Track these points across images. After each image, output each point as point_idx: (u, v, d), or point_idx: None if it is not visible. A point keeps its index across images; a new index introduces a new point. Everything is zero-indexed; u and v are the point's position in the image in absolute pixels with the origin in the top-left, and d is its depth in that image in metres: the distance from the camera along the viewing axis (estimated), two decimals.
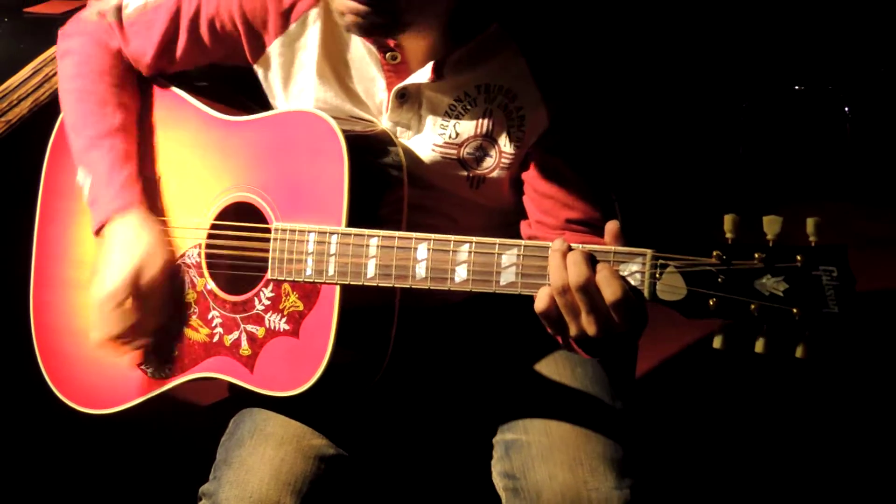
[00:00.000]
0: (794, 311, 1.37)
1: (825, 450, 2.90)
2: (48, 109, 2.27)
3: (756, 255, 1.38)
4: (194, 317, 1.90)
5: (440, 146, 1.83)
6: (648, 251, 1.47)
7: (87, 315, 2.00)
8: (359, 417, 1.92)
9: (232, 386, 1.88)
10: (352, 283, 1.69)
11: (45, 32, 2.45)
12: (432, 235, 1.62)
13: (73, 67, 1.99)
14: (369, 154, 1.78)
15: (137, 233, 1.88)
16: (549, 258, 1.52)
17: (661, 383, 3.20)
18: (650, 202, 3.91)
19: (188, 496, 1.88)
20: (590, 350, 1.65)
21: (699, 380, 3.16)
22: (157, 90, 2.01)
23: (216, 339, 1.87)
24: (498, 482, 1.84)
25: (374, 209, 1.76)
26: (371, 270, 1.67)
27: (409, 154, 1.83)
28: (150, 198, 1.95)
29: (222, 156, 1.89)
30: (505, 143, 1.80)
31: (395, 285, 1.65)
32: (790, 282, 1.37)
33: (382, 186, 1.79)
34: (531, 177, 1.82)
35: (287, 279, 1.77)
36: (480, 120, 1.80)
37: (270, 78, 1.92)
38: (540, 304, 1.53)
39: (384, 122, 1.85)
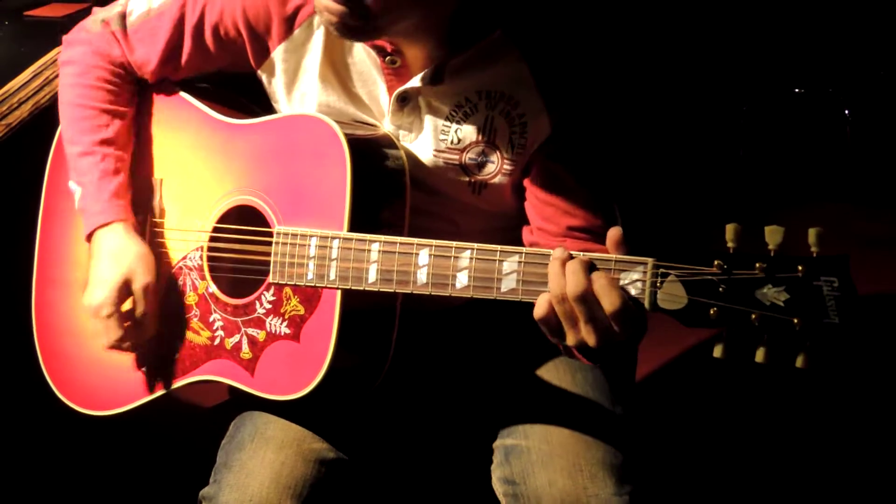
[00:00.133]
0: (795, 321, 1.37)
1: (826, 455, 2.90)
2: (49, 112, 2.27)
3: (757, 265, 1.38)
4: (195, 319, 1.90)
5: (442, 151, 1.83)
6: (650, 260, 1.47)
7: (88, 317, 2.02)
8: (359, 421, 1.92)
9: (233, 389, 1.88)
10: (353, 287, 1.69)
11: (45, 36, 2.45)
12: (434, 241, 1.62)
13: (71, 77, 2.00)
14: (372, 158, 1.78)
15: (122, 245, 1.90)
16: (549, 266, 1.51)
17: (661, 387, 3.20)
18: (651, 206, 3.91)
19: (188, 499, 1.88)
20: (589, 356, 1.66)
21: (699, 384, 3.16)
22: (160, 93, 2.01)
23: (217, 342, 1.87)
24: (498, 487, 1.84)
25: (377, 213, 1.76)
26: (372, 275, 1.67)
27: (412, 158, 1.83)
28: (152, 200, 1.96)
29: (225, 159, 1.90)
30: (507, 150, 1.80)
31: (397, 290, 1.66)
32: (791, 292, 1.37)
33: (385, 190, 1.79)
34: (533, 183, 1.82)
35: (288, 283, 1.77)
36: (482, 126, 1.80)
37: (274, 83, 1.92)
38: (539, 310, 1.53)
39: (386, 126, 1.86)
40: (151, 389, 1.96)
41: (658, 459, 2.67)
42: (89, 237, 1.93)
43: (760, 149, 4.50)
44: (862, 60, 4.50)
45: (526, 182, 1.83)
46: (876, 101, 4.48)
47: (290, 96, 1.91)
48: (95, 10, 2.03)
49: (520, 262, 1.56)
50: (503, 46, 1.77)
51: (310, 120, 1.79)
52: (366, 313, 1.77)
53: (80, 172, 1.94)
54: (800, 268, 1.37)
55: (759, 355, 1.40)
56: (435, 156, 1.83)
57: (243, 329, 1.84)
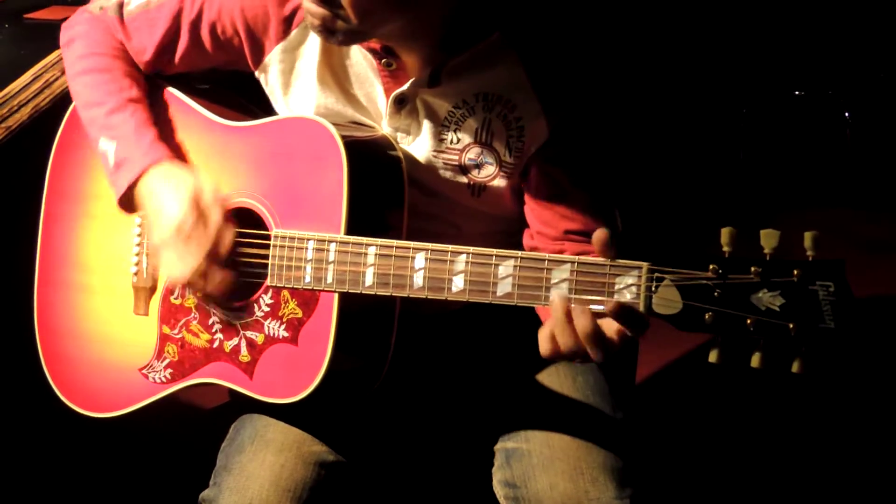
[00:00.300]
0: (791, 326, 1.37)
1: (824, 458, 2.90)
2: (48, 115, 2.27)
3: (752, 269, 1.38)
4: (195, 322, 1.90)
5: (441, 152, 1.83)
6: (644, 264, 1.47)
7: (93, 318, 2.02)
8: (359, 424, 1.92)
9: (233, 391, 1.88)
10: (350, 291, 1.69)
11: (45, 38, 2.44)
12: (430, 245, 1.62)
13: (82, 48, 1.98)
14: (370, 160, 1.78)
15: (182, 171, 1.85)
16: (554, 320, 1.54)
17: (661, 390, 3.20)
18: (651, 208, 3.91)
19: (188, 502, 1.89)
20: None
21: (699, 387, 3.16)
22: (159, 94, 2.01)
23: (216, 344, 1.88)
24: (498, 490, 1.84)
25: (375, 215, 1.76)
26: (369, 279, 1.67)
27: (410, 160, 1.83)
28: None
29: (223, 161, 1.90)
30: (504, 153, 1.80)
31: (393, 294, 1.66)
32: (787, 296, 1.37)
33: (383, 193, 1.79)
34: (531, 187, 1.82)
35: (286, 286, 1.77)
36: (479, 129, 1.80)
37: (271, 84, 1.93)
38: (544, 350, 1.58)
39: (384, 128, 1.86)
40: (152, 392, 1.96)
41: (658, 463, 2.67)
42: (132, 186, 1.86)
43: (760, 151, 4.51)
44: (862, 63, 4.50)
45: (524, 185, 1.83)
46: (876, 104, 4.48)
47: (288, 97, 1.91)
48: (96, 1, 2.03)
49: (515, 266, 1.56)
50: (501, 49, 1.77)
51: (307, 123, 1.79)
52: (364, 316, 1.77)
53: (112, 128, 1.89)
54: (795, 272, 1.36)
55: (755, 360, 1.40)
56: (434, 157, 1.83)
57: (242, 332, 1.84)
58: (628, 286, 1.48)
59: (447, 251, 1.61)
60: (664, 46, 4.43)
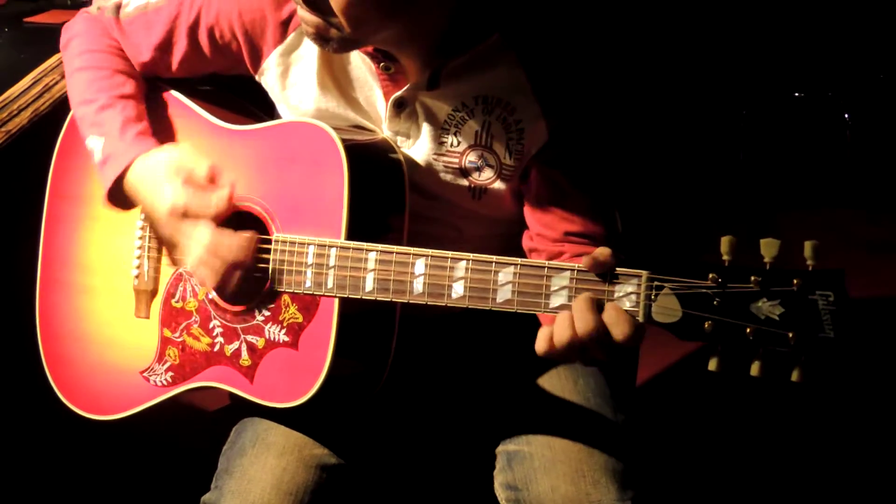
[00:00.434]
0: (790, 335, 1.37)
1: (825, 464, 2.90)
2: (48, 119, 2.27)
3: (752, 279, 1.38)
4: (195, 325, 1.91)
5: (441, 154, 1.83)
6: (644, 273, 1.47)
7: (94, 320, 2.03)
8: (361, 427, 1.92)
9: (233, 395, 1.89)
10: (350, 296, 1.69)
11: (45, 42, 2.45)
12: (430, 251, 1.62)
13: (79, 46, 1.99)
14: (370, 164, 1.78)
15: (164, 155, 1.84)
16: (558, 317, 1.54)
17: (662, 393, 3.20)
18: (651, 210, 3.91)
19: None
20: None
21: (700, 389, 3.16)
22: (159, 97, 2.01)
23: (217, 348, 1.88)
24: (500, 493, 1.84)
25: (375, 220, 1.77)
26: (369, 284, 1.67)
27: (411, 163, 1.83)
28: None
29: (224, 165, 1.89)
30: (504, 155, 1.80)
31: (393, 300, 1.66)
32: (786, 306, 1.37)
33: (383, 197, 1.79)
34: (530, 189, 1.82)
35: (287, 290, 1.77)
36: (479, 131, 1.80)
37: (271, 87, 1.93)
38: (540, 346, 1.57)
39: (384, 132, 1.86)
40: (153, 395, 1.96)
41: (660, 465, 2.67)
42: (119, 179, 1.86)
43: (760, 153, 4.50)
44: (861, 64, 4.50)
45: (524, 188, 1.83)
46: (876, 105, 4.48)
47: (288, 101, 1.91)
48: (95, 2, 2.04)
49: (515, 272, 1.56)
50: (500, 51, 1.76)
51: (307, 127, 1.79)
52: (365, 320, 1.78)
53: (100, 124, 1.90)
54: (795, 281, 1.36)
55: (755, 369, 1.40)
56: (434, 160, 1.83)
57: (242, 336, 1.85)
58: (628, 294, 1.48)
59: (447, 257, 1.61)
60: (664, 48, 4.43)
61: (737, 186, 4.38)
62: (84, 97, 1.94)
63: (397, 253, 1.65)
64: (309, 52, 1.86)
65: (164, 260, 1.96)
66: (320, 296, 1.74)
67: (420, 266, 1.63)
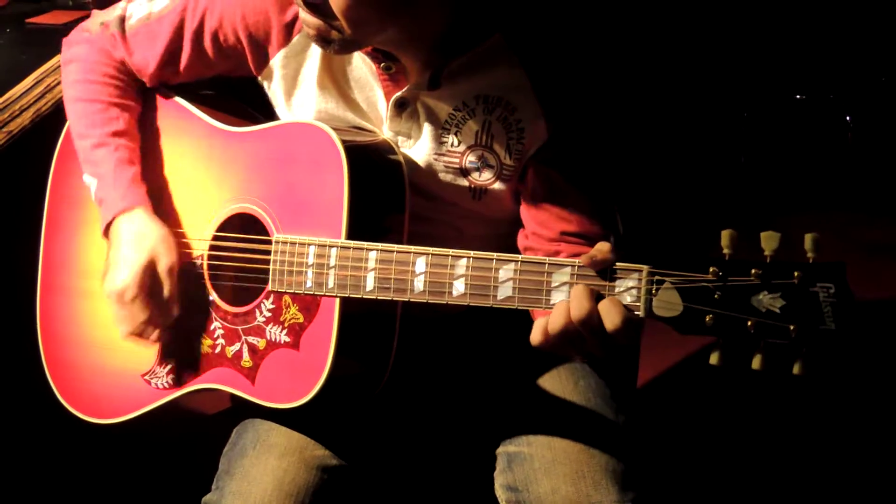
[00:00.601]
0: (791, 327, 1.37)
1: (827, 458, 2.90)
2: (50, 120, 2.27)
3: (753, 272, 1.38)
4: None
5: (442, 154, 1.83)
6: (645, 267, 1.47)
7: (95, 324, 2.02)
8: (362, 428, 1.92)
9: (234, 396, 1.88)
10: (351, 295, 1.69)
11: (47, 43, 2.45)
12: (430, 249, 1.62)
13: (76, 73, 2.00)
14: (370, 165, 1.78)
15: (145, 228, 1.88)
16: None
17: (663, 393, 3.20)
18: (652, 212, 3.91)
19: None
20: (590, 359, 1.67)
21: (701, 390, 3.16)
22: (159, 100, 2.01)
23: (218, 350, 1.88)
24: (500, 494, 1.83)
25: (375, 220, 1.76)
26: (370, 283, 1.67)
27: (411, 164, 1.83)
28: (154, 205, 1.96)
29: (224, 167, 1.90)
30: (505, 156, 1.80)
31: (394, 298, 1.66)
32: (787, 298, 1.36)
33: (383, 197, 1.79)
34: (527, 188, 1.82)
35: (287, 291, 1.77)
36: (479, 131, 1.80)
37: (274, 89, 1.93)
38: (535, 337, 1.56)
39: (385, 132, 1.86)
40: (154, 397, 1.96)
41: (661, 466, 2.67)
42: (107, 228, 1.91)
43: (762, 155, 4.51)
44: (863, 66, 4.50)
45: (521, 186, 1.83)
46: (877, 107, 4.49)
47: (290, 103, 1.92)
48: (95, 12, 2.04)
49: (516, 269, 1.56)
50: (501, 51, 1.77)
51: (307, 127, 1.79)
52: (366, 321, 1.77)
53: (94, 164, 1.93)
54: (796, 274, 1.36)
55: (756, 362, 1.40)
56: (435, 160, 1.83)
57: (243, 337, 1.84)
58: (629, 289, 1.48)
59: (448, 255, 1.61)
60: (666, 50, 4.43)
61: (738, 189, 4.39)
62: (79, 131, 1.97)
63: (398, 252, 1.65)
64: (313, 54, 1.86)
65: None
66: (321, 296, 1.74)
67: (421, 264, 1.63)
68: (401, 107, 1.82)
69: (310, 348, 1.76)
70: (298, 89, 1.90)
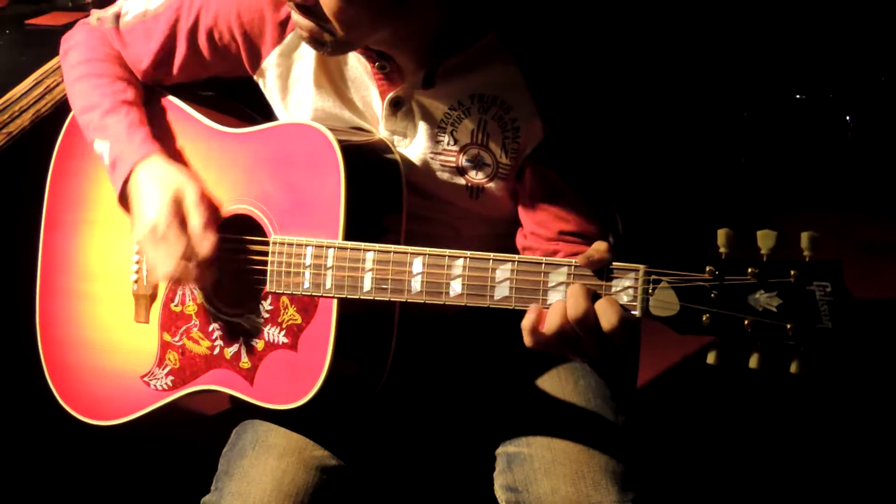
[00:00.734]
0: (788, 326, 1.37)
1: (825, 457, 2.90)
2: (49, 121, 2.27)
3: (749, 270, 1.38)
4: (195, 329, 1.91)
5: (438, 153, 1.83)
6: (641, 266, 1.47)
7: (94, 325, 2.02)
8: (361, 429, 1.92)
9: (233, 398, 1.88)
10: (349, 296, 1.69)
11: (46, 44, 2.45)
12: (427, 249, 1.62)
13: (79, 55, 2.00)
14: (367, 164, 1.78)
15: (165, 170, 1.86)
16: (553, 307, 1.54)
17: (662, 393, 3.20)
18: (652, 213, 3.91)
19: None
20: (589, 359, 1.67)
21: (701, 390, 3.16)
22: (157, 102, 2.01)
23: (216, 351, 1.88)
24: (500, 495, 1.83)
25: (373, 220, 1.76)
26: (367, 284, 1.67)
27: (408, 163, 1.83)
28: None
29: (221, 168, 1.90)
30: (501, 154, 1.80)
31: (391, 299, 1.66)
32: (784, 297, 1.37)
33: (381, 197, 1.79)
34: (525, 188, 1.82)
35: (285, 292, 1.77)
36: (475, 130, 1.80)
37: (269, 88, 1.93)
38: (527, 341, 1.57)
39: (381, 132, 1.86)
40: (154, 399, 1.96)
41: (660, 466, 2.67)
42: (126, 182, 1.87)
43: (761, 155, 4.50)
44: (863, 66, 4.50)
45: (518, 186, 1.83)
46: (877, 107, 4.48)
47: (286, 101, 1.92)
48: (93, 11, 2.04)
49: (512, 269, 1.56)
50: (496, 49, 1.76)
51: (304, 128, 1.79)
52: (364, 321, 1.77)
53: (105, 129, 1.91)
54: (792, 272, 1.36)
55: (753, 361, 1.40)
56: (431, 159, 1.83)
57: (242, 338, 1.84)
58: (625, 288, 1.48)
59: (444, 255, 1.61)
60: (665, 49, 4.43)
61: (738, 188, 4.38)
62: (88, 103, 1.95)
63: (395, 252, 1.65)
64: (307, 53, 1.86)
65: None
66: (319, 297, 1.74)
67: (418, 265, 1.63)
68: (396, 106, 1.82)
69: (308, 349, 1.76)
70: (294, 88, 1.90)
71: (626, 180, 1.99)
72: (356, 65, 1.84)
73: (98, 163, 1.94)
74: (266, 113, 1.99)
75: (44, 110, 2.34)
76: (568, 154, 1.78)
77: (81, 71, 1.98)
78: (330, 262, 1.70)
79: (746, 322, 1.39)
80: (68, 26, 2.09)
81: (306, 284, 1.73)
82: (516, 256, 1.57)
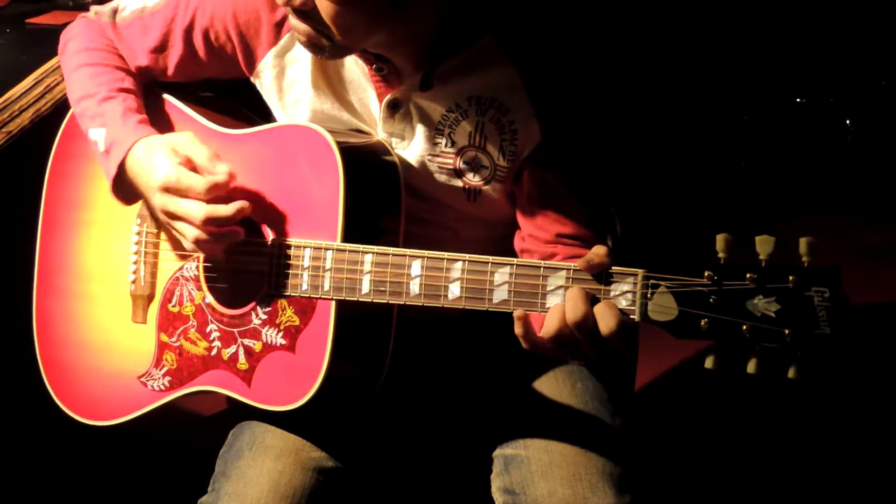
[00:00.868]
0: (786, 332, 1.37)
1: (823, 462, 2.90)
2: (50, 120, 2.27)
3: (748, 276, 1.37)
4: (193, 330, 1.90)
5: (436, 156, 1.83)
6: (640, 271, 1.46)
7: (92, 326, 2.02)
8: (358, 430, 1.92)
9: (231, 399, 1.88)
10: (347, 298, 1.69)
11: (46, 43, 2.45)
12: (426, 252, 1.62)
13: (77, 45, 1.99)
14: (365, 166, 1.78)
15: (160, 139, 1.84)
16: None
17: (660, 396, 3.20)
18: (652, 216, 3.91)
19: None
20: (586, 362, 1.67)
21: (699, 393, 3.16)
22: (155, 102, 2.01)
23: (214, 352, 1.87)
24: (497, 497, 1.83)
25: (371, 222, 1.76)
26: (366, 286, 1.67)
27: (406, 165, 1.83)
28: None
29: None
30: (498, 156, 1.80)
31: (390, 301, 1.66)
32: (782, 302, 1.36)
33: (379, 199, 1.79)
34: (523, 191, 1.81)
35: (283, 294, 1.77)
36: (473, 132, 1.80)
37: (266, 88, 1.93)
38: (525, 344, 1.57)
39: (379, 134, 1.86)
40: (151, 400, 1.96)
41: (657, 469, 2.67)
42: (121, 165, 1.84)
43: (762, 159, 4.50)
44: (863, 70, 4.50)
45: (516, 189, 1.83)
46: (877, 111, 4.48)
47: (283, 103, 1.92)
48: (92, 7, 2.04)
49: (511, 273, 1.56)
50: (494, 52, 1.76)
51: (302, 130, 1.79)
52: (362, 323, 1.77)
53: (102, 115, 1.89)
54: (791, 278, 1.36)
55: (751, 366, 1.40)
56: (429, 161, 1.83)
57: (239, 340, 1.84)
58: (624, 293, 1.48)
59: (443, 258, 1.61)
60: (665, 51, 4.43)
61: (738, 192, 4.38)
62: (84, 91, 1.94)
63: (393, 255, 1.65)
64: (304, 54, 1.86)
65: (161, 264, 1.96)
66: (317, 299, 1.74)
67: (416, 267, 1.63)
68: (393, 108, 1.82)
69: (306, 351, 1.76)
70: (291, 89, 1.90)
71: (624, 183, 1.99)
72: (353, 67, 1.84)
73: (95, 164, 1.93)
74: (265, 114, 1.98)
75: (44, 109, 2.34)
76: (565, 157, 1.78)
77: (79, 60, 1.98)
78: (328, 264, 1.70)
79: (745, 327, 1.39)
80: (69, 26, 2.09)
81: (304, 286, 1.73)
82: (515, 260, 1.57)
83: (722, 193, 4.37)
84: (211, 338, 1.88)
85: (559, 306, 1.52)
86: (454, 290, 1.60)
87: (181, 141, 1.83)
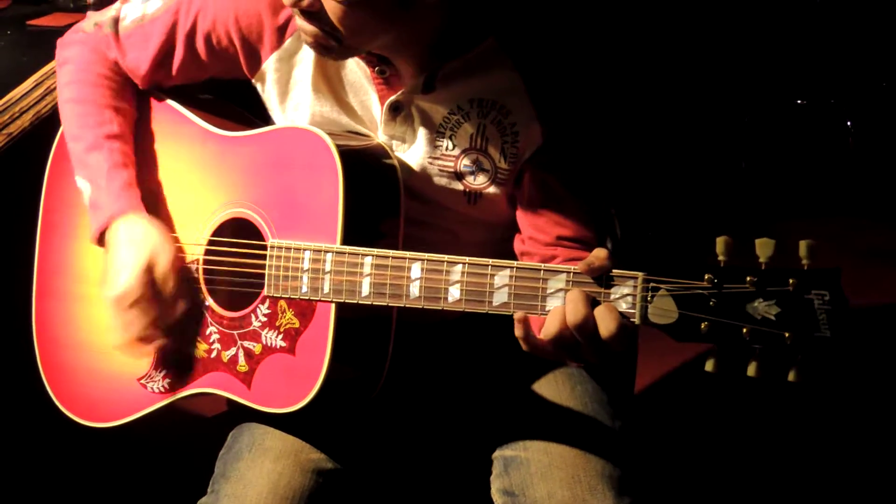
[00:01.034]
0: (786, 335, 1.36)
1: (823, 465, 2.90)
2: (50, 122, 2.26)
3: (748, 279, 1.37)
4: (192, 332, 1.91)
5: (437, 158, 1.82)
6: (640, 274, 1.46)
7: (91, 328, 2.02)
8: (357, 432, 1.92)
9: (230, 401, 1.88)
10: (347, 301, 1.69)
11: (47, 45, 2.43)
12: (426, 255, 1.62)
13: (70, 75, 2.00)
14: (365, 169, 1.78)
15: (143, 230, 1.87)
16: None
17: (659, 398, 3.20)
18: (652, 217, 3.92)
19: None
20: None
21: (698, 395, 3.16)
22: (154, 104, 2.01)
23: (214, 354, 1.87)
24: (497, 499, 1.83)
25: (370, 225, 1.76)
26: (366, 289, 1.67)
27: (406, 168, 1.83)
28: (148, 210, 1.95)
29: (219, 171, 1.90)
30: (499, 159, 1.80)
31: (390, 304, 1.66)
32: (782, 305, 1.36)
33: (378, 202, 1.79)
34: (523, 193, 1.81)
35: (283, 296, 1.77)
36: (474, 135, 1.80)
37: (267, 92, 1.93)
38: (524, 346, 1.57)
39: (379, 136, 1.85)
40: (150, 402, 1.96)
41: (657, 471, 2.67)
42: (101, 233, 1.89)
43: (763, 160, 4.50)
44: (864, 71, 4.50)
45: (517, 191, 1.83)
46: (878, 113, 4.48)
47: (284, 106, 1.91)
48: (90, 13, 2.04)
49: (511, 276, 1.55)
50: (495, 55, 1.76)
51: (302, 132, 1.79)
52: (362, 326, 1.77)
53: (87, 167, 1.92)
54: (791, 281, 1.36)
55: (751, 369, 1.39)
56: (429, 164, 1.83)
57: (239, 342, 1.84)
58: (624, 296, 1.48)
59: (443, 261, 1.60)
60: (666, 54, 4.43)
61: (739, 194, 4.38)
62: (72, 133, 1.96)
63: (393, 257, 1.65)
64: (306, 57, 1.86)
65: None
66: (317, 301, 1.74)
67: (416, 270, 1.63)
68: (395, 110, 1.81)
69: (306, 353, 1.76)
70: (292, 92, 1.90)
71: (625, 186, 1.99)
72: (355, 69, 1.84)
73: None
74: (264, 116, 1.98)
75: (44, 111, 2.34)
76: (566, 158, 1.78)
77: (70, 93, 1.99)
78: (328, 267, 1.70)
79: (745, 330, 1.38)
80: (69, 27, 2.08)
81: (304, 288, 1.73)
82: (515, 263, 1.56)
83: (722, 195, 4.37)
84: (211, 340, 1.88)
85: (559, 309, 1.52)
86: (454, 293, 1.60)
87: (159, 264, 1.86)
